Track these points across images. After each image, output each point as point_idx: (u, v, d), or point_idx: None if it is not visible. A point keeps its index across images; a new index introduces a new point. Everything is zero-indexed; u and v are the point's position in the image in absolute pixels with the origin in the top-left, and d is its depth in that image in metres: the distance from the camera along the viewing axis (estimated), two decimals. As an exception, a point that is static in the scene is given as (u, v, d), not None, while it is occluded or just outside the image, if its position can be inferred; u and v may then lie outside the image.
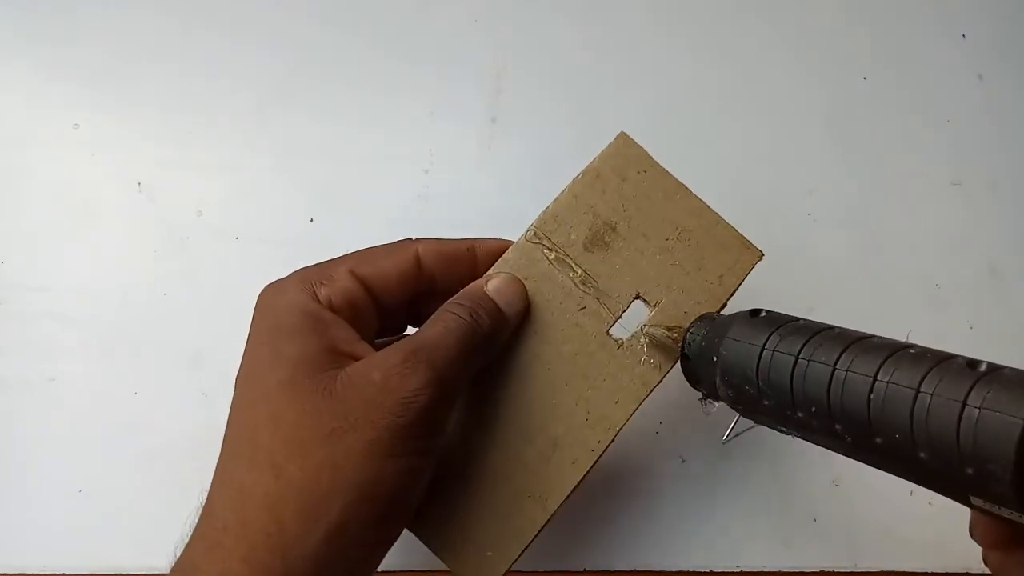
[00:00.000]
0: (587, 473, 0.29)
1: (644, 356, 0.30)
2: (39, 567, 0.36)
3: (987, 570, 0.36)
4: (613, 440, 0.29)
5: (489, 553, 0.28)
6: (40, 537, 0.37)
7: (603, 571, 0.36)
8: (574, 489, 0.29)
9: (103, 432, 0.38)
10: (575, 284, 0.30)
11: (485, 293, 0.28)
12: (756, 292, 0.40)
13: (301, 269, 0.28)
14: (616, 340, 0.30)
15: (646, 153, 0.32)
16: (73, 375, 0.39)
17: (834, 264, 0.41)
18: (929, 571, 0.36)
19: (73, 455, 0.38)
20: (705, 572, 0.36)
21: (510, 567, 0.28)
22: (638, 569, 0.36)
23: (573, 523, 0.37)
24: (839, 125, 0.44)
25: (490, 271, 0.30)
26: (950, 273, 0.41)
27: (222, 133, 0.44)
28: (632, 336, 0.30)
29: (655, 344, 0.30)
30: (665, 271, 0.30)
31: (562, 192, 0.31)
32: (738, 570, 0.36)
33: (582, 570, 0.36)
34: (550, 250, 0.30)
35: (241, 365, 0.26)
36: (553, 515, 0.28)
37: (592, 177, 0.31)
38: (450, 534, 0.28)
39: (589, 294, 0.30)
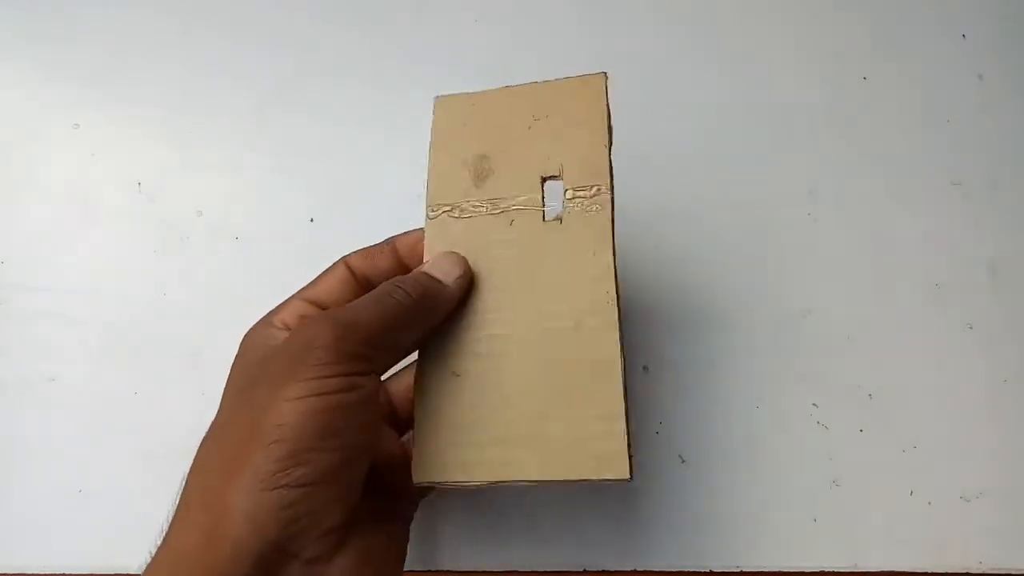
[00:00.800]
0: (622, 328, 0.29)
1: (585, 210, 0.31)
2: (39, 567, 0.36)
3: (987, 570, 0.36)
4: (617, 282, 0.29)
5: (603, 443, 0.27)
6: (40, 537, 0.37)
7: (603, 571, 0.36)
8: (622, 343, 0.29)
9: (103, 432, 0.38)
10: (491, 213, 0.32)
11: (419, 271, 0.30)
12: (756, 292, 0.41)
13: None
14: (556, 219, 0.31)
15: (464, 94, 0.33)
16: (73, 375, 0.39)
17: (834, 264, 0.41)
18: (929, 571, 0.36)
19: (73, 455, 0.38)
20: (705, 572, 0.36)
21: (629, 442, 0.27)
22: (638, 569, 0.36)
23: (573, 523, 0.37)
24: (839, 125, 0.44)
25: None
26: (950, 273, 0.41)
27: (222, 133, 0.44)
28: (563, 207, 0.31)
29: (582, 196, 0.31)
30: (545, 146, 0.32)
31: (429, 172, 0.33)
32: (738, 570, 0.36)
33: (582, 570, 0.36)
34: (452, 209, 0.32)
35: None
36: (626, 381, 0.28)
37: (439, 143, 0.33)
38: (555, 451, 0.28)
39: (508, 210, 0.31)
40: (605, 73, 0.32)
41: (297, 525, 0.24)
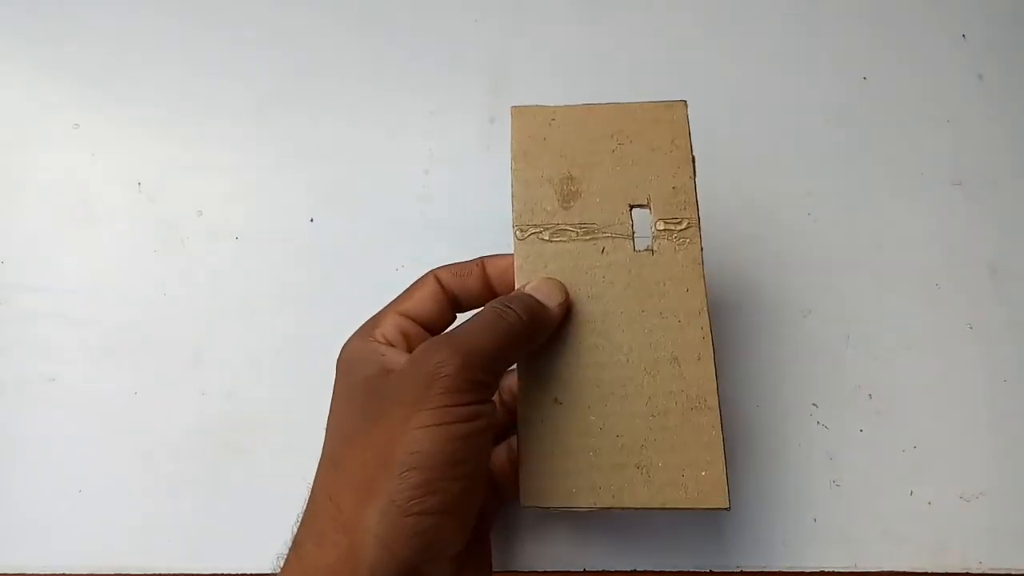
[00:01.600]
0: (716, 362, 0.30)
1: (674, 242, 0.32)
2: (39, 567, 0.36)
3: (987, 570, 0.36)
4: (710, 319, 0.31)
5: (703, 473, 0.29)
6: (40, 537, 0.37)
7: (603, 571, 0.36)
8: (717, 380, 0.30)
9: (103, 432, 0.38)
10: (582, 239, 0.32)
11: (523, 292, 0.31)
12: (757, 292, 0.41)
13: (360, 327, 0.32)
14: (647, 250, 0.32)
15: (542, 107, 0.34)
16: (73, 375, 0.39)
17: (834, 264, 0.41)
18: (929, 571, 0.36)
19: (73, 455, 0.38)
20: (705, 572, 0.36)
21: (726, 473, 0.29)
22: (638, 569, 0.36)
23: (573, 523, 0.37)
24: (839, 125, 0.44)
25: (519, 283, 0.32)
26: (950, 273, 0.41)
27: (222, 133, 0.44)
28: (652, 237, 0.32)
29: (672, 227, 0.32)
30: (631, 172, 0.33)
31: (512, 186, 0.33)
32: (738, 570, 0.36)
33: (582, 570, 0.36)
34: (542, 231, 0.32)
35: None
36: (721, 412, 0.30)
37: (521, 157, 0.33)
38: (658, 480, 0.29)
39: (598, 236, 0.32)
40: (685, 101, 0.33)
41: (429, 551, 0.25)
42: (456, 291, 0.32)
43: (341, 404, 0.29)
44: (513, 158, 0.33)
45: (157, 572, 0.36)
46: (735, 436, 0.38)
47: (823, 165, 0.43)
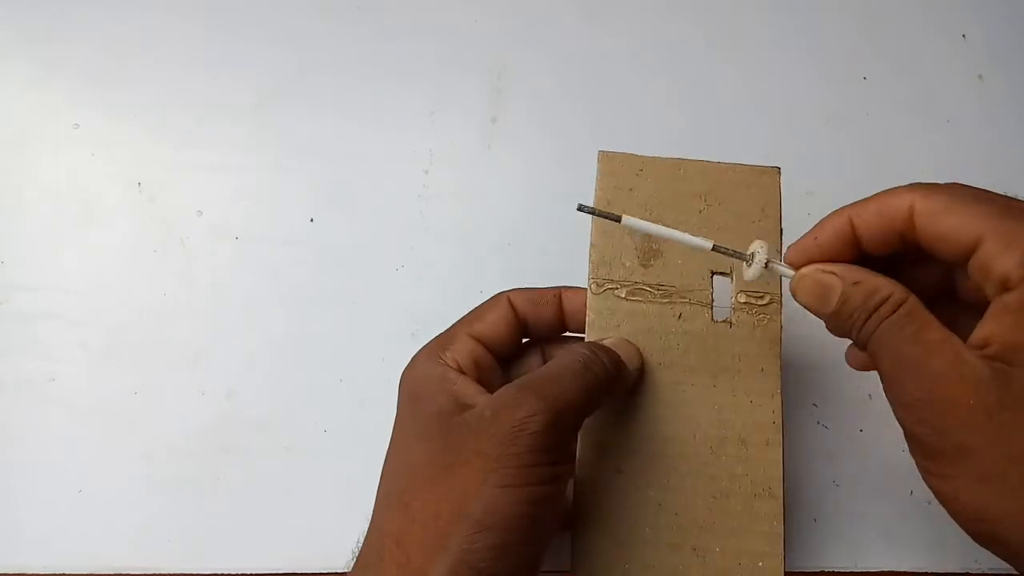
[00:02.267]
0: (784, 445, 0.29)
1: (754, 317, 0.30)
2: (39, 567, 0.36)
3: (986, 570, 0.36)
4: (782, 402, 0.30)
5: (760, 563, 0.28)
6: (40, 537, 0.37)
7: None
8: (784, 466, 0.29)
9: (103, 432, 0.38)
10: (659, 301, 0.31)
11: (607, 346, 0.29)
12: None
13: (428, 343, 0.31)
14: (724, 321, 0.31)
15: (631, 155, 0.32)
16: (73, 375, 0.39)
17: (834, 264, 0.41)
18: (929, 571, 0.36)
19: (73, 455, 0.38)
20: (705, 572, 0.36)
21: (784, 566, 0.29)
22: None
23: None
24: (839, 125, 0.44)
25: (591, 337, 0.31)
26: (950, 273, 0.41)
27: (222, 133, 0.44)
28: (732, 309, 0.31)
29: (753, 301, 0.31)
30: (717, 237, 0.30)
31: (592, 235, 0.32)
32: (738, 570, 0.36)
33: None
34: (619, 288, 0.31)
35: (392, 434, 0.29)
36: (786, 500, 0.29)
37: (605, 206, 0.31)
38: (716, 564, 0.28)
39: (676, 301, 0.31)
40: (779, 168, 0.32)
41: None
42: (529, 319, 0.31)
43: (410, 437, 0.27)
44: (596, 205, 0.31)
45: (157, 572, 0.36)
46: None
47: (823, 165, 0.43)
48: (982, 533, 0.23)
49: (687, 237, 0.27)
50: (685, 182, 0.32)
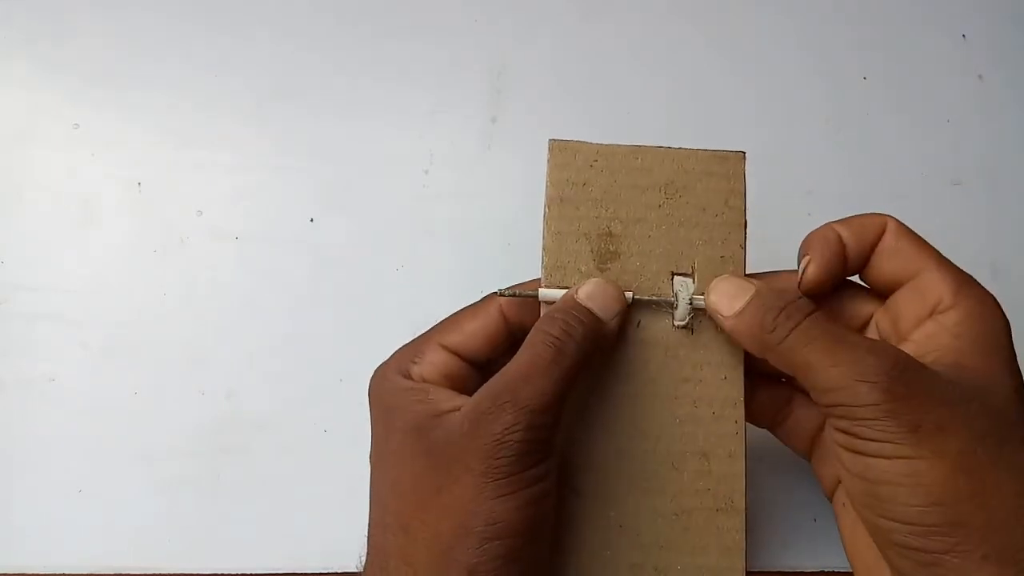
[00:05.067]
0: (746, 458, 0.28)
1: (715, 323, 0.29)
2: (39, 567, 0.36)
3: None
4: (744, 412, 0.29)
5: None
6: (40, 537, 0.37)
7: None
8: (747, 478, 0.28)
9: (103, 432, 0.38)
10: None
11: (577, 302, 0.28)
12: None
13: (397, 351, 0.30)
14: (685, 327, 0.29)
15: (584, 143, 0.30)
16: (73, 375, 0.39)
17: (834, 264, 0.41)
18: (929, 571, 0.36)
19: (73, 455, 0.38)
20: (705, 572, 0.36)
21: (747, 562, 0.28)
22: (638, 569, 0.36)
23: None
24: (839, 125, 0.44)
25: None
26: (950, 273, 0.41)
27: (222, 133, 0.44)
28: (690, 316, 0.29)
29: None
30: (676, 234, 0.29)
31: (543, 237, 0.29)
32: (738, 570, 0.36)
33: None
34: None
35: (370, 446, 0.29)
36: (747, 513, 0.28)
37: (557, 203, 0.30)
38: None
39: (634, 306, 0.29)
40: (743, 153, 0.30)
41: None
42: (527, 322, 0.29)
43: (391, 453, 0.27)
44: (547, 204, 0.29)
45: (157, 572, 0.36)
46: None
47: (823, 165, 0.43)
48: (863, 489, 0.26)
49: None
50: (644, 173, 0.29)
